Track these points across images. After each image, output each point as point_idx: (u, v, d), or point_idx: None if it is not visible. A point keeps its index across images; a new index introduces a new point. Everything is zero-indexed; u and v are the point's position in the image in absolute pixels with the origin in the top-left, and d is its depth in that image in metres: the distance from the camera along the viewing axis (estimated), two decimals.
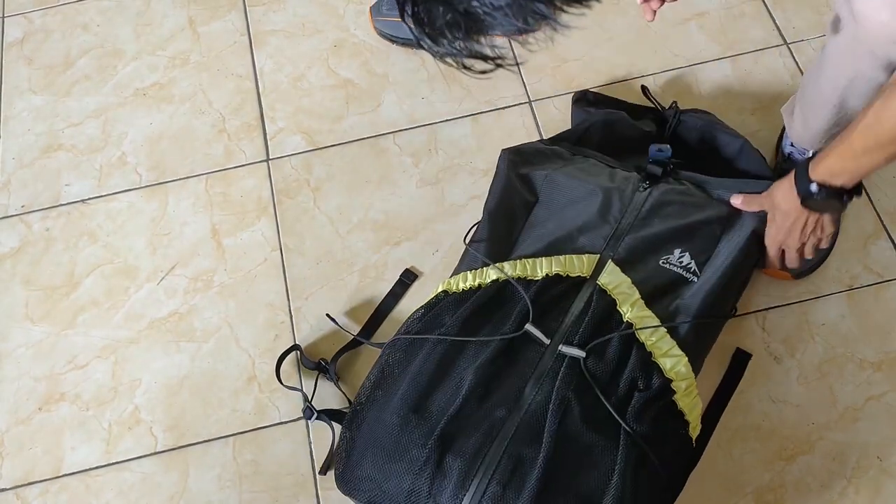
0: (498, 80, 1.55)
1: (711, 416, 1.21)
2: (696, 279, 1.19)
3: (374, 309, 1.34)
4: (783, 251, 1.24)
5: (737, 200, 1.24)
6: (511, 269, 1.19)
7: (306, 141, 1.52)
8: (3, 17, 1.73)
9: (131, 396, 1.30)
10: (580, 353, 1.10)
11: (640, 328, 1.12)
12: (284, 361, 1.28)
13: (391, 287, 1.36)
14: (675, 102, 1.43)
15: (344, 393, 1.26)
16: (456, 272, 1.24)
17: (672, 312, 1.16)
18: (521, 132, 1.50)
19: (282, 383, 1.26)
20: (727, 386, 1.24)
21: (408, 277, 1.36)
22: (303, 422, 1.26)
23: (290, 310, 1.36)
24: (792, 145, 1.36)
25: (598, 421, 1.05)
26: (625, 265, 1.19)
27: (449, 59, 0.77)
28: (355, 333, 1.30)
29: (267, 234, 1.43)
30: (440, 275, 1.36)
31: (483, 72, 0.77)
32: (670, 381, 1.09)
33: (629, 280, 1.17)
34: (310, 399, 1.24)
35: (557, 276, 1.18)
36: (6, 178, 1.52)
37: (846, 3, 1.03)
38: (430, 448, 1.03)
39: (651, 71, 1.55)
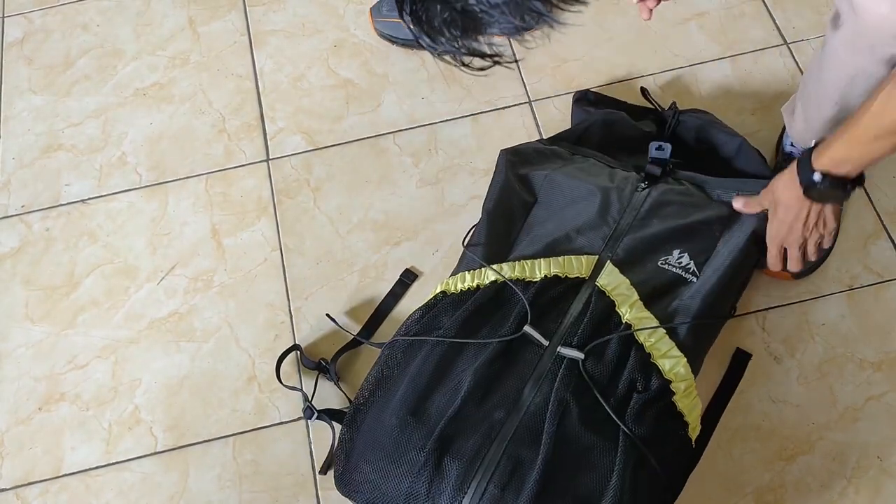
0: (498, 81, 1.55)
1: (711, 416, 1.21)
2: (695, 280, 1.19)
3: (374, 309, 1.34)
4: (784, 252, 1.22)
5: (738, 203, 1.23)
6: (510, 270, 1.19)
7: (306, 141, 1.53)
8: (3, 17, 1.73)
9: (131, 396, 1.30)
10: (579, 355, 1.10)
11: (639, 329, 1.12)
12: (284, 361, 1.28)
13: (391, 287, 1.36)
14: (674, 103, 1.43)
15: (344, 393, 1.26)
16: (455, 273, 1.24)
17: (671, 313, 1.15)
18: (521, 132, 1.50)
19: (282, 383, 1.27)
20: (727, 386, 1.24)
21: (408, 277, 1.36)
22: (303, 422, 1.26)
23: (290, 310, 1.36)
24: (792, 145, 1.36)
25: (597, 422, 1.05)
26: (623, 266, 1.18)
27: (447, 57, 0.77)
28: (355, 333, 1.30)
29: (267, 234, 1.43)
30: (440, 275, 1.36)
31: (481, 69, 0.78)
32: (669, 382, 1.09)
33: (628, 281, 1.17)
34: (310, 399, 1.24)
35: (556, 277, 1.17)
36: (6, 178, 1.53)
37: None
38: (428, 450, 1.03)
39: (651, 71, 1.55)
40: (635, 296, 1.15)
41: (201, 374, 1.31)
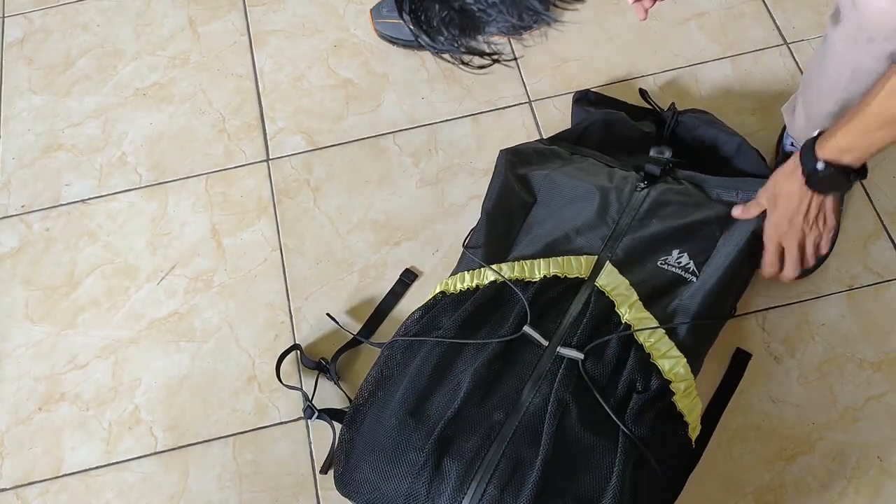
0: (498, 81, 1.55)
1: (711, 416, 1.21)
2: (694, 280, 1.19)
3: (374, 308, 1.34)
4: (782, 253, 1.22)
5: (736, 212, 1.23)
6: (509, 270, 1.19)
7: (306, 141, 1.53)
8: (3, 17, 1.73)
9: (131, 396, 1.30)
10: (578, 355, 1.10)
11: (639, 329, 1.12)
12: (284, 361, 1.28)
13: (391, 287, 1.36)
14: (673, 103, 1.43)
15: (344, 392, 1.26)
16: (454, 273, 1.24)
17: (671, 313, 1.15)
18: (521, 132, 1.50)
19: (282, 383, 1.27)
20: (727, 386, 1.24)
21: (408, 277, 1.36)
22: (303, 422, 1.26)
23: (290, 310, 1.36)
24: (792, 144, 1.36)
25: (597, 423, 1.05)
26: (623, 266, 1.18)
27: (447, 56, 0.77)
28: (355, 333, 1.30)
29: (267, 234, 1.43)
30: (440, 275, 1.36)
31: (481, 67, 0.78)
32: (669, 382, 1.09)
33: (627, 281, 1.16)
34: (310, 398, 1.24)
35: (555, 277, 1.17)
36: (6, 178, 1.53)
37: None
38: (428, 451, 1.03)
39: (651, 71, 1.55)
40: (635, 296, 1.15)
41: (201, 374, 1.31)
